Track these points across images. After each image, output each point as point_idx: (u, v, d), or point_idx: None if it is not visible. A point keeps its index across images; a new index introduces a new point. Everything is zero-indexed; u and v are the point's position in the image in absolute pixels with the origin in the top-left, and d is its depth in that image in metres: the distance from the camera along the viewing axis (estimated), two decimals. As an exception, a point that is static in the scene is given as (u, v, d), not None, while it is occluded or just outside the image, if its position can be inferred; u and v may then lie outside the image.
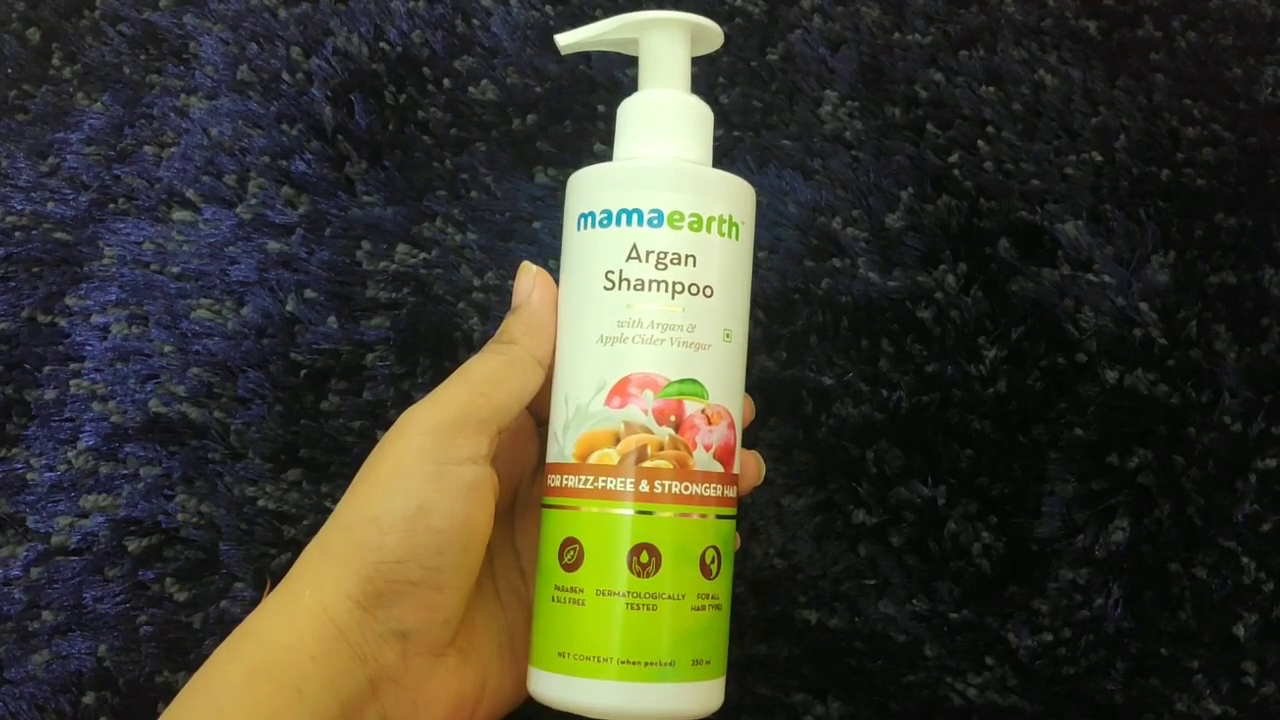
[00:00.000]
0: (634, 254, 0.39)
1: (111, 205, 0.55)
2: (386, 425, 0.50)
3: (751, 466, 0.43)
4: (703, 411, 0.39)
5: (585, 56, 0.55)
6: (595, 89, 0.55)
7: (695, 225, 0.39)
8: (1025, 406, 0.50)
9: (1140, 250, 0.51)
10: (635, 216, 0.39)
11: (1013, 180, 0.52)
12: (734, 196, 0.41)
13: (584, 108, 0.55)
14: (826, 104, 0.54)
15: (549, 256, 0.52)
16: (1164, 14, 0.54)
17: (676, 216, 0.39)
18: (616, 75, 0.55)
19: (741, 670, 0.48)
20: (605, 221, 0.40)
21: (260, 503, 0.50)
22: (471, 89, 0.55)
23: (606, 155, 0.53)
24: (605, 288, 0.39)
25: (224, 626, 0.49)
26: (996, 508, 0.49)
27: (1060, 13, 0.55)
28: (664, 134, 0.41)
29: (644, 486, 0.38)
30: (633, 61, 0.54)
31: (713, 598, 0.39)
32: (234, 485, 0.50)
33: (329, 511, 0.50)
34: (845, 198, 0.52)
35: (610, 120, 0.54)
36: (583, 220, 0.40)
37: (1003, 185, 0.52)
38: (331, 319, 0.52)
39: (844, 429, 0.50)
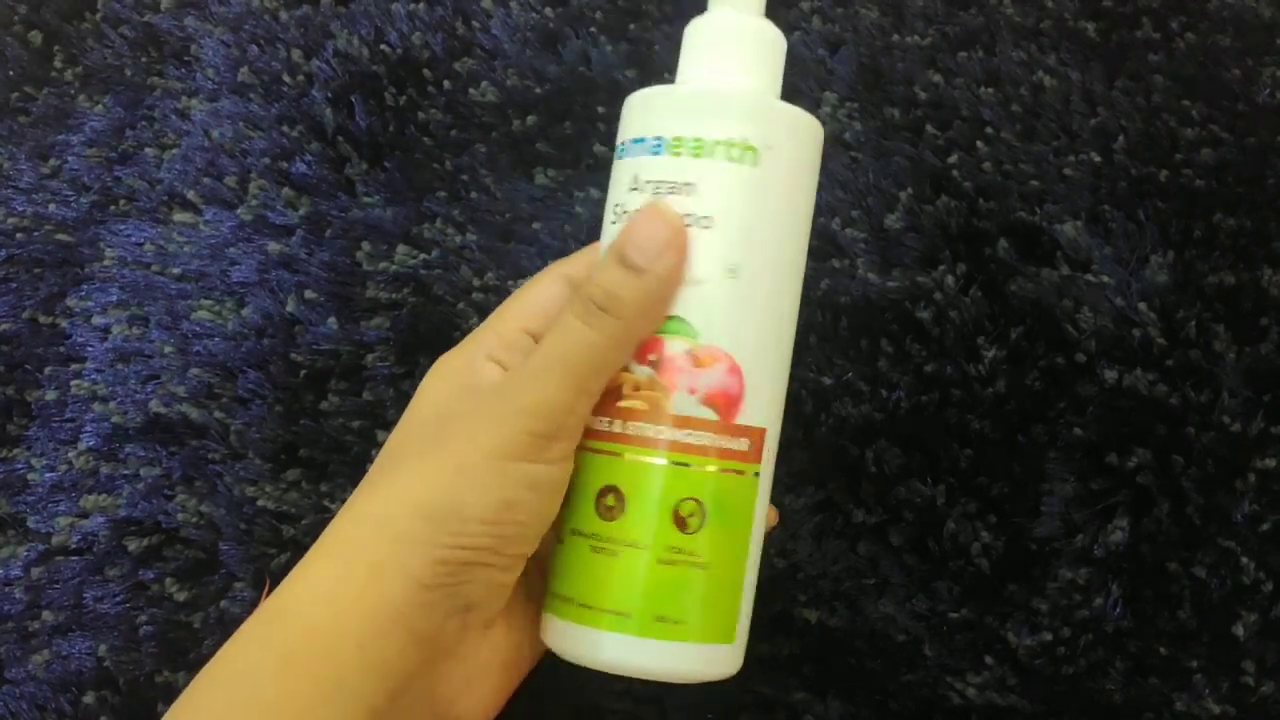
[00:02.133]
0: (635, 185, 0.37)
1: (112, 207, 0.55)
2: (386, 425, 0.51)
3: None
4: (689, 352, 0.36)
5: (585, 58, 0.55)
6: (595, 91, 0.55)
7: (697, 150, 0.36)
8: (1024, 406, 0.50)
9: (1139, 251, 0.51)
10: (639, 145, 0.38)
11: (1012, 181, 0.52)
12: (752, 116, 0.37)
13: (584, 109, 0.55)
14: (826, 105, 0.54)
15: (549, 257, 0.52)
16: (1163, 15, 0.55)
17: (676, 143, 0.37)
18: (616, 77, 0.55)
19: (741, 669, 0.48)
20: (621, 153, 0.38)
21: (260, 503, 0.50)
22: (471, 91, 0.55)
23: (606, 156, 0.53)
24: (611, 221, 0.38)
25: (224, 626, 0.49)
26: (996, 507, 0.49)
27: (1059, 14, 0.55)
28: (694, 58, 0.39)
29: (615, 426, 0.36)
30: (633, 63, 0.54)
31: (690, 554, 0.36)
32: (234, 485, 0.51)
33: (328, 511, 0.50)
34: (844, 198, 0.53)
35: (609, 122, 0.55)
36: (616, 153, 0.39)
37: (1002, 186, 0.52)
38: (331, 319, 0.52)
39: (843, 428, 0.50)
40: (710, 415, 0.36)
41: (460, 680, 0.37)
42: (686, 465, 0.36)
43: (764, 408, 0.38)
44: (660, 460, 0.36)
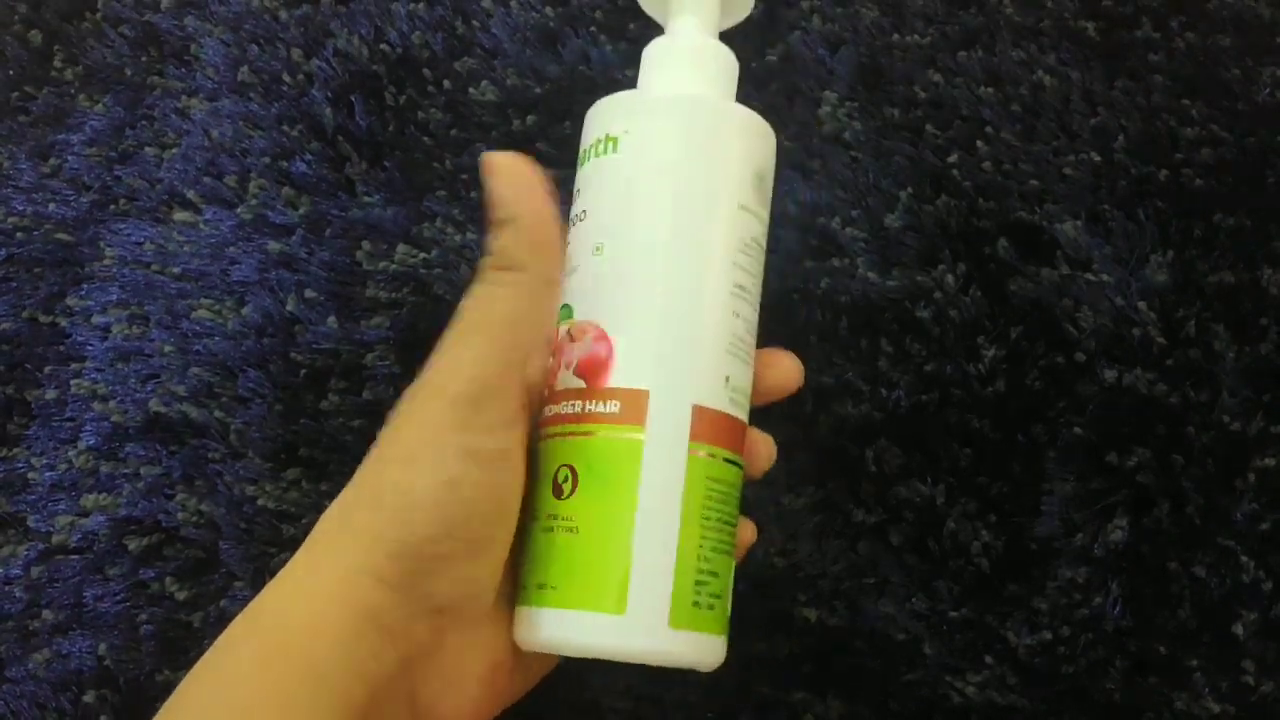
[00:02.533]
0: None
1: (112, 206, 0.55)
2: (386, 424, 0.51)
3: (760, 447, 0.40)
4: (568, 331, 0.38)
5: (585, 58, 0.55)
6: (595, 90, 0.55)
7: (582, 160, 0.41)
8: (1024, 406, 0.50)
9: (1139, 250, 0.51)
10: None
11: (1011, 180, 0.52)
12: (609, 114, 0.40)
13: (584, 109, 0.54)
14: (825, 104, 0.54)
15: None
16: (1162, 15, 0.55)
17: (579, 160, 0.41)
18: (616, 77, 0.55)
19: (741, 668, 0.48)
20: None
21: (260, 502, 0.50)
22: (471, 90, 0.55)
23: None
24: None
25: (224, 625, 0.49)
26: (996, 507, 0.49)
27: (1059, 14, 0.55)
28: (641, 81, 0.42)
29: (540, 415, 0.39)
30: (632, 63, 0.54)
31: (563, 519, 0.37)
32: (234, 484, 0.51)
33: (329, 510, 0.50)
34: (844, 198, 0.53)
35: (610, 121, 0.55)
36: None
37: (1001, 185, 0.52)
38: (331, 319, 0.52)
39: (843, 428, 0.50)
40: (579, 384, 0.38)
41: (442, 683, 0.37)
42: (563, 435, 0.38)
43: (643, 371, 0.37)
44: (548, 435, 0.38)
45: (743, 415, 0.39)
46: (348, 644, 0.34)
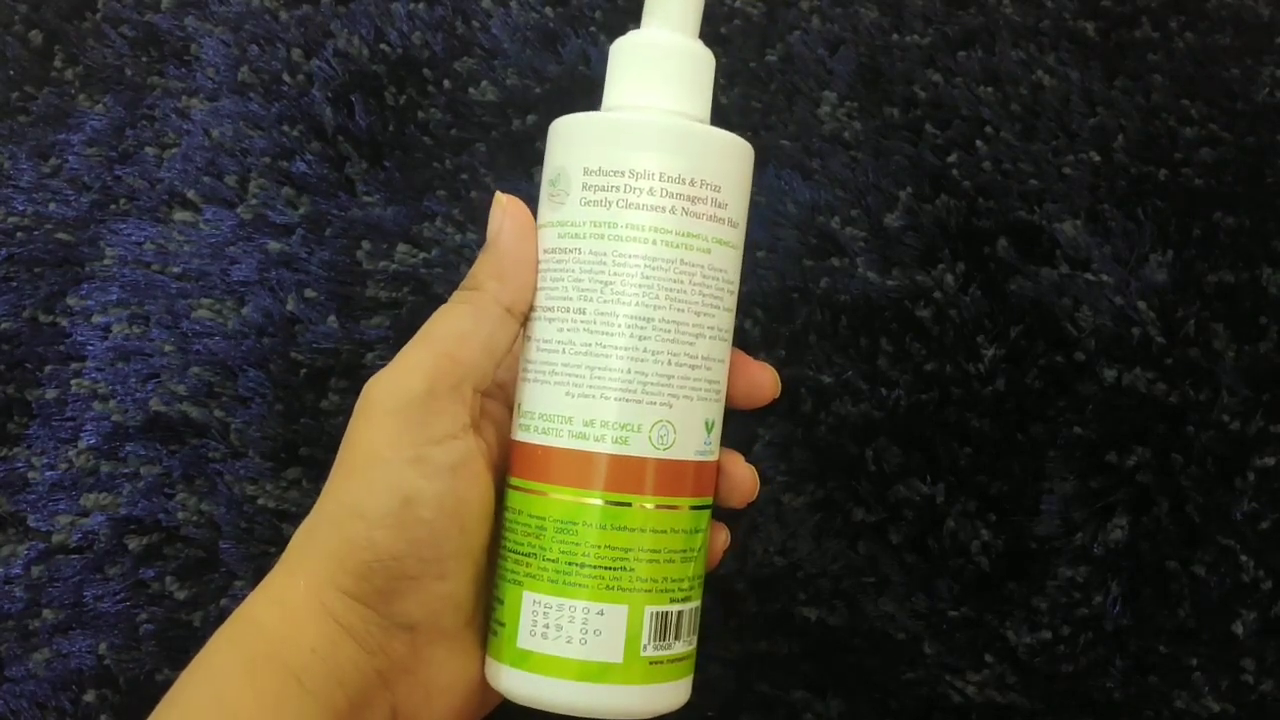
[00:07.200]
0: None
1: (113, 206, 0.55)
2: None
3: (744, 476, 0.40)
4: None
5: (585, 58, 0.55)
6: (595, 90, 0.55)
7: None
8: (1024, 405, 0.50)
9: (1138, 249, 0.51)
10: None
11: (1011, 180, 0.52)
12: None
13: (584, 109, 0.55)
14: (825, 104, 0.54)
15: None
16: (1162, 15, 0.55)
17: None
18: (616, 76, 0.55)
19: (741, 667, 0.48)
20: None
21: (260, 501, 0.50)
22: (471, 90, 0.55)
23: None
24: None
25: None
26: (995, 506, 0.49)
27: (1058, 14, 0.55)
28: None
29: None
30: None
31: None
32: (234, 484, 0.51)
33: (329, 510, 0.50)
34: (844, 197, 0.53)
35: (610, 121, 0.55)
36: None
37: (1001, 185, 0.52)
38: (332, 318, 0.52)
39: (843, 427, 0.50)
40: None
41: (424, 696, 0.37)
42: None
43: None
44: None
45: (549, 442, 0.36)
46: (325, 652, 0.34)
